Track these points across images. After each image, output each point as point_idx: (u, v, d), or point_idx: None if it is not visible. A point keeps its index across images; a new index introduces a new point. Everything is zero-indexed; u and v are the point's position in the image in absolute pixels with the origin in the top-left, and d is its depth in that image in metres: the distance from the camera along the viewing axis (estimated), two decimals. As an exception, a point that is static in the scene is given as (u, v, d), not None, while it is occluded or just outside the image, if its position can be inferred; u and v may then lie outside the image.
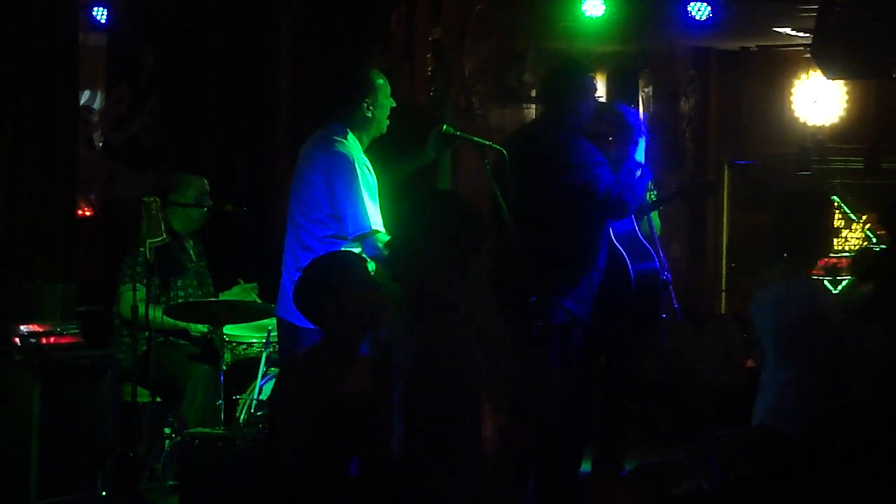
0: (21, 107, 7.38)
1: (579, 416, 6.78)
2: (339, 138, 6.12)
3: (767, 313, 5.66)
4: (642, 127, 6.81)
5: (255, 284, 7.65)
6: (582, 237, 6.67)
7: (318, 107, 6.77)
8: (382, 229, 6.04)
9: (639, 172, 6.66)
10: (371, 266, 5.52)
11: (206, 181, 7.72)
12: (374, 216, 6.03)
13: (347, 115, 6.19)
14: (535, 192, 6.50)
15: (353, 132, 6.16)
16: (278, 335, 6.35)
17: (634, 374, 7.36)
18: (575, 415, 6.70)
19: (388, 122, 6.28)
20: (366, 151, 6.20)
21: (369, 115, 6.18)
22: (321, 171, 6.06)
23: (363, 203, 5.97)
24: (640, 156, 6.72)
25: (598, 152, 6.68)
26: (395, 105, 6.29)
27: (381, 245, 5.98)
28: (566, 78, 6.97)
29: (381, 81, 6.26)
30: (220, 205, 7.69)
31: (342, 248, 5.95)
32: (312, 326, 5.59)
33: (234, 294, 7.66)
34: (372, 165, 6.18)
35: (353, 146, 6.12)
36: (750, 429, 5.52)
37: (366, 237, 5.97)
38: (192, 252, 7.74)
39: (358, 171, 6.02)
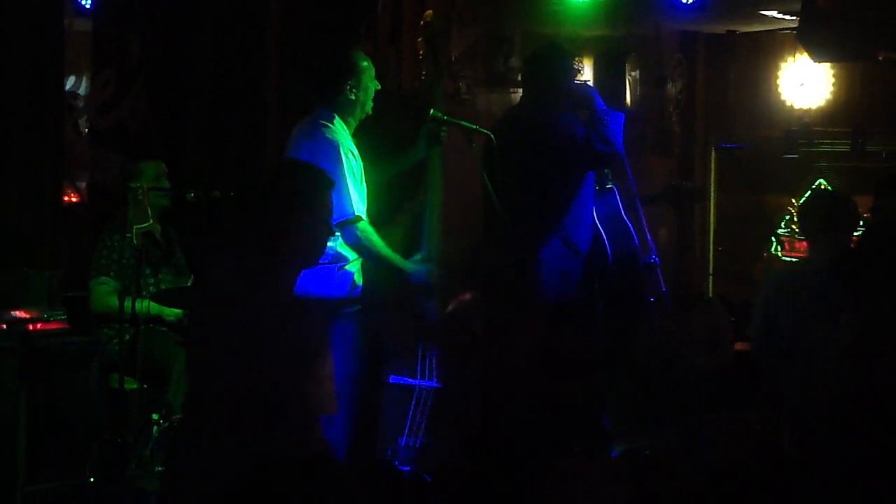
0: (6, 92, 7.36)
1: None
2: (325, 123, 6.13)
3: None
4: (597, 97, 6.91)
5: None
6: (571, 192, 6.75)
7: (306, 92, 6.76)
8: (365, 216, 6.05)
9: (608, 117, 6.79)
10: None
11: (162, 164, 7.65)
12: (358, 203, 6.04)
13: (333, 99, 6.20)
14: (521, 172, 6.55)
15: (339, 116, 6.16)
16: None
17: (615, 352, 7.40)
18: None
19: (372, 103, 6.29)
20: (358, 145, 6.22)
21: (353, 97, 6.20)
22: (306, 156, 6.07)
23: (347, 189, 5.98)
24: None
25: (578, 123, 6.78)
26: (379, 87, 6.30)
27: (360, 234, 6.00)
28: (547, 61, 7.03)
29: (364, 64, 6.27)
30: (207, 191, 7.65)
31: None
32: None
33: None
34: (363, 162, 6.19)
35: (339, 131, 6.12)
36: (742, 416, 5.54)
37: (347, 224, 5.98)
38: (158, 237, 7.67)
39: (343, 156, 6.02)
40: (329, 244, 6.02)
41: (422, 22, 6.72)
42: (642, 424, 8.11)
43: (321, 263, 5.95)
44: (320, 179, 4.64)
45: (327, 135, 6.07)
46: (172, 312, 7.35)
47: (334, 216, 5.97)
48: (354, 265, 6.15)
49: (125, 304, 6.91)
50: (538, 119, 6.82)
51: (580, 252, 6.80)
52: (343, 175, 5.97)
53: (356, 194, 6.03)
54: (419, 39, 6.78)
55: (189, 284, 7.47)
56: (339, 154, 6.01)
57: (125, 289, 7.00)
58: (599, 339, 7.21)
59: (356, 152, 6.16)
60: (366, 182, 6.19)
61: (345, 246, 6.09)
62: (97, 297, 7.30)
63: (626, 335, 7.63)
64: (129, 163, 7.85)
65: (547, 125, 6.77)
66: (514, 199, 6.39)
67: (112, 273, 7.28)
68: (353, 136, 6.24)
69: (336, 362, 5.65)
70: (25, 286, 6.97)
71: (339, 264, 6.11)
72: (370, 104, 6.28)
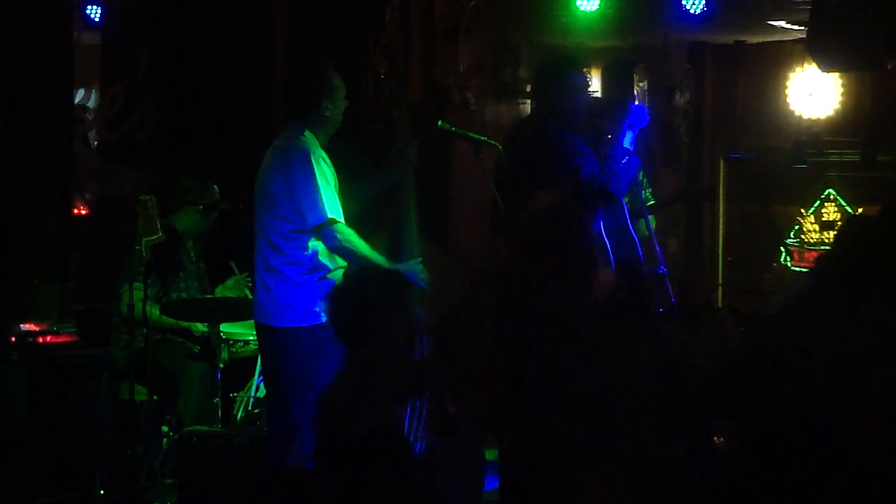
0: (16, 105, 7.38)
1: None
2: (296, 136, 6.22)
3: None
4: (632, 117, 6.82)
5: (245, 275, 7.65)
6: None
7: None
8: (342, 219, 6.07)
9: (625, 160, 6.69)
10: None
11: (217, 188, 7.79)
12: (333, 207, 6.08)
13: (305, 115, 6.28)
14: (526, 186, 6.55)
15: (310, 131, 6.25)
16: (258, 339, 6.41)
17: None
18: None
19: (341, 118, 6.38)
20: (335, 163, 6.28)
21: (327, 114, 6.30)
22: (279, 168, 6.18)
23: (319, 193, 6.04)
24: (626, 144, 6.75)
25: (585, 144, 6.72)
26: (347, 104, 6.38)
27: (339, 236, 6.02)
28: (556, 73, 7.01)
29: (338, 83, 6.36)
30: (215, 203, 7.70)
31: (306, 242, 6.03)
32: (289, 325, 5.71)
33: (227, 287, 7.67)
34: (339, 182, 6.25)
35: (310, 141, 6.20)
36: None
37: (324, 226, 6.02)
38: (192, 253, 7.75)
39: (314, 163, 6.10)
40: (306, 253, 6.08)
41: (383, 41, 6.77)
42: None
43: (299, 275, 6.02)
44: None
45: (298, 145, 6.18)
46: (199, 328, 7.38)
47: (311, 220, 6.04)
48: (335, 274, 6.16)
49: (137, 311, 6.92)
50: (540, 133, 6.80)
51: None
52: (315, 180, 6.03)
53: (329, 199, 6.07)
54: (377, 57, 6.84)
55: (208, 296, 7.53)
56: (311, 161, 6.10)
57: (145, 300, 7.00)
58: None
59: (328, 160, 6.22)
60: (342, 202, 6.21)
61: (325, 255, 6.11)
62: (131, 302, 7.27)
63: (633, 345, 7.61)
64: (189, 177, 7.91)
65: (548, 140, 6.74)
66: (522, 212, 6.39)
67: (150, 280, 7.29)
68: (342, 153, 6.32)
69: (326, 370, 5.68)
70: (35, 299, 6.99)
71: (318, 274, 6.12)
72: (340, 119, 6.38)
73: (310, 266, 6.09)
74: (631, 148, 6.71)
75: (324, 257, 6.12)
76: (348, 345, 4.75)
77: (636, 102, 6.94)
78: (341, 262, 6.19)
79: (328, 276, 6.14)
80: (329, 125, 6.33)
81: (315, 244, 6.10)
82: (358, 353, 4.70)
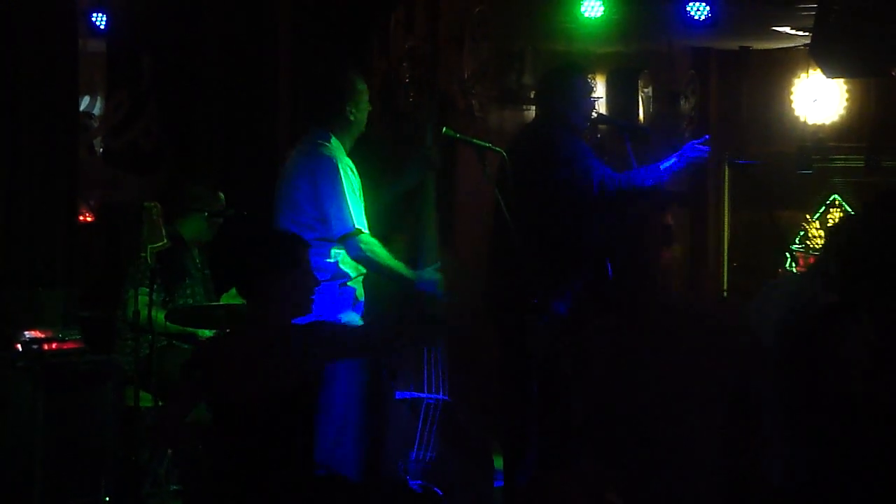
0: (21, 112, 7.39)
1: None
2: (322, 142, 6.21)
3: None
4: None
5: None
6: (577, 237, 6.74)
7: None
8: (367, 230, 6.08)
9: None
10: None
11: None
12: (358, 216, 6.08)
13: (331, 120, 6.29)
14: (532, 192, 6.55)
15: (335, 136, 6.24)
16: None
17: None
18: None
19: (365, 121, 6.38)
20: (356, 166, 6.28)
21: (352, 118, 6.30)
22: (306, 175, 6.16)
23: (347, 203, 6.05)
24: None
25: (589, 150, 6.75)
26: (371, 109, 6.39)
27: (364, 246, 6.03)
28: (559, 80, 7.03)
29: (362, 87, 6.37)
30: (220, 210, 7.70)
31: (329, 249, 6.03)
32: None
33: (231, 295, 7.66)
34: (362, 185, 6.25)
35: (336, 149, 6.19)
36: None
37: (349, 237, 6.02)
38: (197, 260, 7.74)
39: (341, 172, 6.10)
40: (328, 260, 6.08)
41: (406, 45, 6.79)
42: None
43: (322, 281, 6.01)
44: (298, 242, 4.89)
45: (325, 152, 6.17)
46: (204, 334, 7.38)
47: (336, 231, 6.04)
48: (356, 282, 6.17)
49: (142, 317, 6.92)
50: (547, 139, 6.81)
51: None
52: (342, 190, 6.04)
53: (356, 208, 6.08)
54: (404, 64, 6.86)
55: (214, 303, 7.52)
56: (338, 170, 6.10)
57: (150, 307, 7.00)
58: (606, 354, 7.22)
59: (353, 168, 6.22)
60: (363, 205, 6.22)
61: (346, 262, 6.12)
62: (136, 308, 7.27)
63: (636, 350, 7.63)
64: (195, 185, 7.90)
65: (555, 146, 6.76)
66: (526, 219, 6.38)
67: (156, 286, 7.28)
68: (353, 158, 6.31)
69: (343, 381, 5.70)
70: (40, 305, 7.00)
71: (339, 281, 6.12)
72: (364, 123, 6.38)
73: (332, 273, 6.09)
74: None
75: (345, 265, 6.13)
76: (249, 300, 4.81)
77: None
78: (362, 270, 6.21)
79: (349, 283, 6.16)
80: (354, 129, 6.33)
81: (338, 252, 6.10)
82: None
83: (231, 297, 7.62)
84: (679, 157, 6.78)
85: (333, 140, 6.22)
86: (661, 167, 6.75)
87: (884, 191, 4.51)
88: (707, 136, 6.95)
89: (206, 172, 8.60)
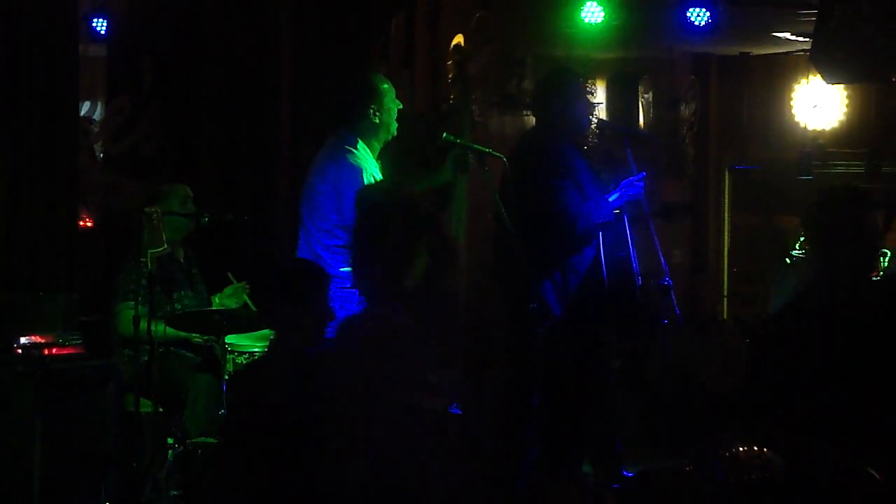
0: (22, 117, 7.39)
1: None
2: (349, 148, 6.21)
3: None
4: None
5: (245, 283, 7.63)
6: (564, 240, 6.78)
7: (318, 115, 6.82)
8: None
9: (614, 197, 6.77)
10: None
11: (188, 188, 7.67)
12: None
13: (356, 122, 6.25)
14: (524, 197, 6.58)
15: (363, 140, 6.23)
16: None
17: (613, 372, 7.40)
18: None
19: (396, 124, 6.34)
20: (380, 166, 6.27)
21: (377, 121, 6.27)
22: (330, 182, 6.16)
23: None
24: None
25: (579, 156, 6.76)
26: (401, 107, 6.35)
27: None
28: (555, 85, 7.05)
29: (385, 86, 6.33)
30: (220, 214, 7.68)
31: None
32: (327, 338, 5.68)
33: (226, 296, 7.65)
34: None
35: (363, 156, 6.20)
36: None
37: None
38: (181, 260, 7.71)
39: (366, 181, 6.07)
40: (349, 268, 6.09)
41: (451, 45, 6.78)
42: (655, 446, 8.11)
43: (342, 288, 6.00)
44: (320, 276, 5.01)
45: (351, 160, 6.16)
46: (197, 337, 7.38)
47: None
48: None
49: (144, 327, 6.93)
50: (536, 146, 6.85)
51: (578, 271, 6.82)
52: None
53: None
54: (448, 63, 6.83)
55: (208, 308, 7.51)
56: (363, 179, 6.08)
57: (150, 312, 7.00)
58: (608, 359, 7.21)
59: (378, 174, 6.21)
60: None
61: None
62: (123, 321, 7.27)
63: (638, 356, 7.63)
64: (153, 186, 7.87)
65: (541, 154, 6.79)
66: (525, 225, 6.39)
67: (140, 297, 7.28)
68: (377, 157, 6.31)
69: None
70: (41, 310, 7.00)
71: None
72: (394, 125, 6.35)
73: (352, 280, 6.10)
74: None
75: None
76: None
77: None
78: None
79: None
80: (381, 131, 6.31)
81: None
82: None
83: (225, 298, 7.63)
84: (621, 193, 6.87)
85: (360, 145, 6.21)
86: (609, 200, 6.85)
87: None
88: (643, 174, 6.99)
89: (207, 177, 8.61)
